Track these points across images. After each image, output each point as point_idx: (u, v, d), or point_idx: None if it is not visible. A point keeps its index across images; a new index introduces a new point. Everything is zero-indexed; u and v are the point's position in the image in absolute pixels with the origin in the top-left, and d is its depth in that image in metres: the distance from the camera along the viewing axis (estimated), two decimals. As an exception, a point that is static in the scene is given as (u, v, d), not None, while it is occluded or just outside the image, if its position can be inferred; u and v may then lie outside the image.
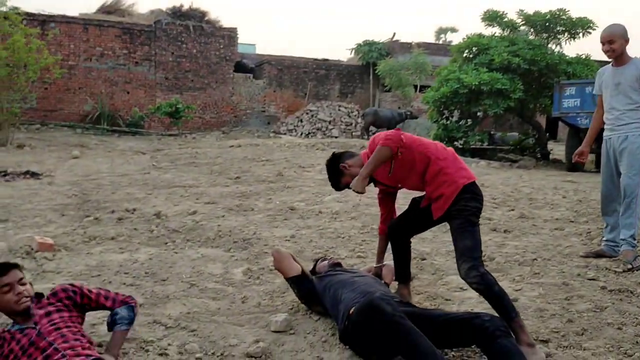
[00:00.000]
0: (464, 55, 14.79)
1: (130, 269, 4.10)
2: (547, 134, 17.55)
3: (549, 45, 14.55)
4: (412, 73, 18.55)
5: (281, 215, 5.99)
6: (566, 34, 14.35)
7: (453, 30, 44.91)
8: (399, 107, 21.45)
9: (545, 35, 14.61)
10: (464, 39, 14.72)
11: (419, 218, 3.22)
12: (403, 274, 3.37)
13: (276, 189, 7.59)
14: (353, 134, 21.40)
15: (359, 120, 21.83)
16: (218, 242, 4.96)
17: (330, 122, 21.78)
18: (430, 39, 41.30)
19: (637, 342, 2.83)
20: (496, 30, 15.06)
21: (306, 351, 2.85)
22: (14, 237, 5.04)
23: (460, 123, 14.42)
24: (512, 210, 6.47)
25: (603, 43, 4.20)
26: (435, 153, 3.04)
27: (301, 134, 21.00)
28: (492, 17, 14.74)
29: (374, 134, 20.20)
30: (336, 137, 20.13)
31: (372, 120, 19.73)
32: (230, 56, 22.27)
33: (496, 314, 2.74)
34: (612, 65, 4.32)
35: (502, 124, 19.21)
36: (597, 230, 5.23)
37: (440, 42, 36.11)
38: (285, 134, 20.85)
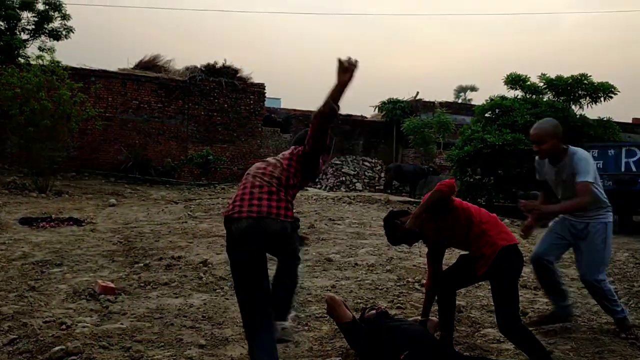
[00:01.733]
0: (487, 115, 15.28)
1: (187, 312, 4.45)
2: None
3: (571, 107, 14.99)
4: (435, 131, 19.06)
5: (319, 266, 6.32)
6: (587, 98, 14.81)
7: (473, 89, 45.91)
8: (422, 163, 21.93)
9: (566, 98, 15.08)
10: (487, 100, 15.27)
11: (466, 273, 3.55)
12: (447, 324, 3.66)
13: (311, 240, 7.94)
14: (376, 187, 21.83)
15: (382, 174, 22.31)
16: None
17: (354, 176, 22.28)
18: (450, 97, 42.13)
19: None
20: (518, 93, 15.58)
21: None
22: (73, 280, 5.47)
23: (484, 181, 14.75)
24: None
25: (532, 142, 4.00)
26: (478, 216, 3.40)
27: (326, 187, 21.48)
28: (514, 81, 15.29)
29: (397, 188, 20.61)
30: (360, 191, 20.58)
31: (396, 175, 20.20)
32: (259, 111, 23.08)
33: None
34: (548, 161, 4.09)
35: (526, 184, 19.41)
36: (623, 290, 5.46)
37: (460, 100, 36.93)
38: (310, 186, 21.35)
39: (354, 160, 22.88)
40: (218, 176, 21.02)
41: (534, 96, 15.21)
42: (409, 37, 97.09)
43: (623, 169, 11.68)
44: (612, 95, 14.46)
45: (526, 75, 15.27)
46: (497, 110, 14.67)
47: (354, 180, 22.11)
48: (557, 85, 14.78)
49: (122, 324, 4.06)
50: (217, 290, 5.24)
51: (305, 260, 6.63)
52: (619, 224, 10.97)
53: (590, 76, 14.54)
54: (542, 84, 15.16)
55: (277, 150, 23.44)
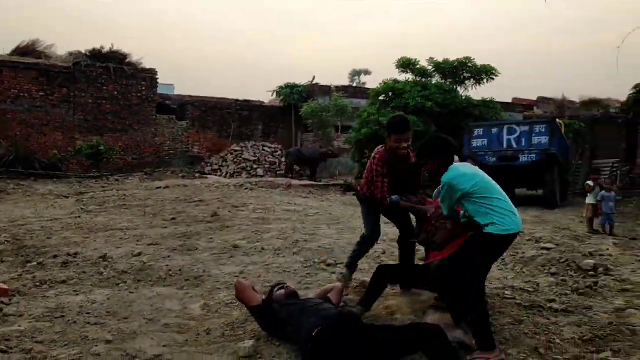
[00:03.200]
0: (381, 98, 15.81)
1: (90, 309, 4.28)
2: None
3: (457, 90, 15.89)
4: (332, 115, 19.42)
5: (226, 253, 6.30)
6: (472, 80, 15.77)
7: (366, 72, 47.07)
8: (321, 147, 22.26)
9: (452, 80, 15.96)
10: (380, 84, 15.78)
11: None
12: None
13: (215, 228, 7.86)
14: (278, 173, 21.89)
15: (283, 159, 22.41)
16: (170, 281, 5.20)
17: (254, 162, 22.17)
18: (345, 80, 42.97)
19: (550, 347, 3.43)
20: (409, 76, 16.25)
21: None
22: (-42, 284, 5.04)
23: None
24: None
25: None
26: None
27: (226, 173, 21.21)
28: (405, 64, 15.93)
29: (298, 172, 20.75)
30: (262, 177, 20.54)
31: (296, 160, 20.36)
32: (151, 97, 22.25)
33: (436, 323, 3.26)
34: None
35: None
36: (509, 256, 5.96)
37: (355, 84, 37.79)
38: (210, 174, 20.98)
39: (254, 146, 22.75)
40: (110, 167, 20.08)
41: (423, 79, 15.94)
42: (302, 20, 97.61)
43: (505, 146, 12.60)
44: (494, 77, 15.50)
45: (416, 59, 15.98)
46: (390, 93, 15.21)
47: (255, 166, 22.00)
48: (445, 68, 15.60)
49: (19, 326, 3.83)
50: (120, 285, 5.07)
51: (210, 248, 6.58)
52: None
53: (474, 59, 15.51)
54: (430, 67, 15.92)
55: (174, 138, 22.83)
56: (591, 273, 5.24)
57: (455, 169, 3.48)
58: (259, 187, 15.13)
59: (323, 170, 21.41)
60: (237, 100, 25.25)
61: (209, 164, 22.06)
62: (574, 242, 7.10)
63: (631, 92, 19.04)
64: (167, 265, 5.67)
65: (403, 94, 14.64)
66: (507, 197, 3.51)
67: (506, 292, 4.52)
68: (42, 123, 19.93)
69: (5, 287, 4.62)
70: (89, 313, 4.17)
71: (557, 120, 13.48)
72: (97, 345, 3.53)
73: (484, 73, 15.54)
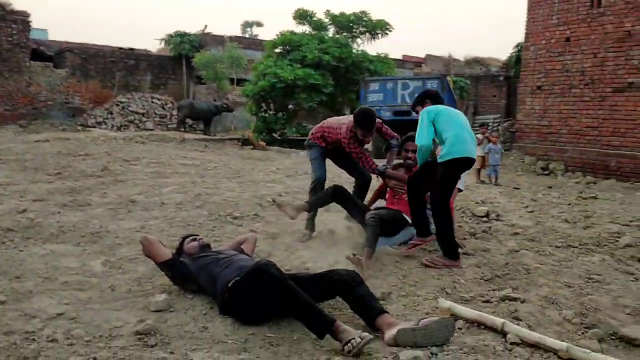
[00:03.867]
0: (278, 50, 15.55)
1: (-26, 270, 3.86)
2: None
3: (353, 45, 16.01)
4: (227, 66, 18.83)
5: (123, 208, 5.95)
6: (367, 34, 15.93)
7: (259, 24, 46.12)
8: (215, 100, 21.60)
9: (348, 34, 16.04)
10: (277, 35, 15.48)
11: None
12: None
13: (108, 183, 7.40)
14: (169, 126, 21.01)
15: (174, 112, 21.51)
16: (63, 237, 4.83)
17: (143, 115, 21.07)
18: (238, 31, 41.87)
19: (454, 286, 3.62)
20: (306, 29, 16.08)
21: (190, 324, 3.09)
22: None
23: (278, 116, 15.18)
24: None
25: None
26: None
27: (112, 126, 20.00)
28: (302, 16, 15.71)
29: (190, 126, 20.06)
30: (152, 130, 19.60)
31: (189, 113, 19.60)
32: (24, 43, 20.21)
33: (351, 268, 3.32)
34: None
35: (314, 117, 20.46)
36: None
37: (247, 35, 36.90)
38: (94, 127, 19.67)
39: (142, 98, 21.56)
40: (-21, 119, 18.18)
41: (320, 32, 15.85)
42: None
43: (399, 101, 12.98)
44: (388, 32, 15.77)
45: (312, 11, 15.80)
46: (287, 45, 14.98)
47: (144, 119, 20.93)
48: (341, 21, 15.60)
49: None
50: (7, 243, 4.62)
51: (105, 204, 6.19)
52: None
53: (369, 14, 15.63)
54: (327, 20, 15.84)
55: (51, 88, 21.03)
56: (484, 219, 5.59)
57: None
58: (150, 140, 14.43)
59: (217, 124, 20.85)
60: (121, 48, 23.70)
61: (92, 116, 20.63)
62: (465, 191, 7.52)
63: (513, 51, 20.27)
64: (57, 222, 5.25)
65: (300, 47, 14.48)
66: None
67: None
68: None
69: None
70: (-27, 274, 3.77)
71: (447, 77, 14.08)
72: (-13, 308, 3.20)
73: (378, 28, 15.74)
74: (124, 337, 2.90)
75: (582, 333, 2.98)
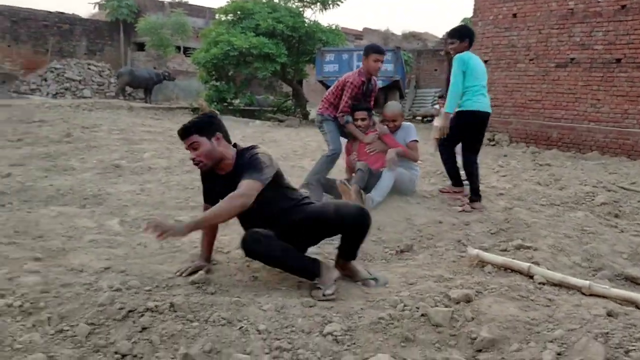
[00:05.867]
0: (228, 18, 15.31)
1: (-10, 230, 3.78)
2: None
3: (305, 15, 16.01)
4: (172, 33, 18.30)
5: (111, 172, 5.88)
6: (318, 5, 15.94)
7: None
8: (155, 68, 20.96)
9: (300, 4, 16.00)
10: (228, 2, 15.20)
11: None
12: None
13: (82, 148, 7.21)
14: (107, 94, 20.28)
15: (112, 80, 20.75)
16: (64, 200, 4.75)
17: (80, 82, 20.22)
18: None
19: (467, 238, 3.94)
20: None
21: (238, 275, 3.21)
22: None
23: (230, 85, 15.03)
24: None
25: (388, 120, 5.05)
26: None
27: (47, 94, 19.06)
28: (253, -18, 15.49)
29: (129, 95, 19.47)
30: (89, 98, 18.85)
31: (129, 81, 19.01)
32: None
33: None
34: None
35: (265, 87, 20.29)
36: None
37: (175, 1, 35.76)
38: (28, 94, 18.66)
39: (78, 64, 20.64)
40: None
41: (273, 0, 15.71)
42: None
43: (355, 72, 13.19)
44: (340, 2, 15.84)
45: (264, -22, 15.60)
46: (238, 13, 14.78)
47: (81, 87, 20.10)
48: (293, -10, 15.54)
49: None
50: (7, 206, 4.50)
51: (89, 168, 6.09)
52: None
53: (320, -18, 15.62)
54: (278, -13, 15.72)
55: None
56: (465, 182, 5.95)
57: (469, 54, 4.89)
58: (97, 108, 13.94)
59: (158, 93, 20.32)
60: (54, 12, 22.41)
61: (25, 83, 19.57)
62: (434, 158, 7.91)
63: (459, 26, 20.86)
64: (51, 185, 5.13)
65: (253, 15, 14.33)
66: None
67: (410, 200, 4.96)
68: None
69: None
70: (-8, 234, 3.69)
71: (400, 49, 14.43)
72: (26, 263, 3.17)
73: (330, -1, 15.83)
74: (182, 286, 2.99)
75: (592, 275, 3.37)
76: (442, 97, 12.49)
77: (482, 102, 4.88)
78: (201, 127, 3.05)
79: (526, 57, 12.83)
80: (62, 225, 4.00)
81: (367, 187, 4.66)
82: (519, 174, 6.97)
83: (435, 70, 21.84)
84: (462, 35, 4.96)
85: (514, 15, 13.06)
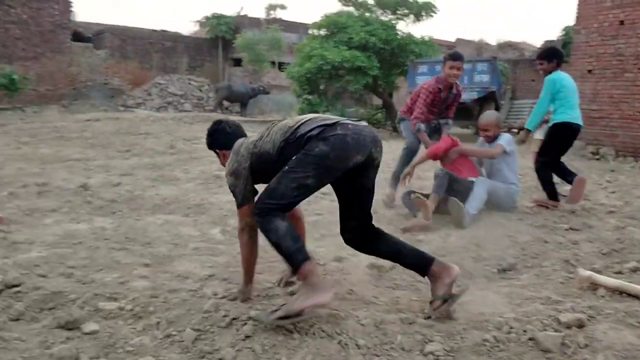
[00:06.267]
0: (322, 33, 15.57)
1: (105, 235, 4.04)
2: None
3: (397, 27, 15.96)
4: (267, 49, 18.91)
5: (212, 183, 6.12)
6: (412, 17, 15.84)
7: (282, 7, 45.86)
8: (250, 82, 21.71)
9: (393, 17, 15.96)
10: (322, 17, 15.48)
11: None
12: None
13: (184, 159, 7.59)
14: (206, 108, 21.23)
15: (211, 94, 21.70)
16: (169, 209, 5.00)
17: (181, 96, 21.33)
18: (262, 13, 41.74)
19: (577, 259, 3.70)
20: (350, 10, 16.04)
21: (335, 287, 3.21)
22: None
23: (322, 98, 15.25)
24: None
25: (482, 130, 5.09)
26: None
27: (152, 107, 20.27)
28: (347, -2, 15.69)
29: (227, 109, 20.29)
30: (190, 111, 19.82)
31: (226, 95, 19.80)
32: (65, 24, 20.48)
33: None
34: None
35: (357, 99, 20.43)
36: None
37: (270, 17, 36.81)
38: (134, 108, 19.94)
39: (180, 80, 21.82)
40: (22, 99, 18.45)
41: (366, 14, 15.80)
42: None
43: (448, 84, 12.95)
44: (433, 13, 15.66)
45: (359, -7, 15.76)
46: (332, 27, 14.99)
47: (182, 101, 21.20)
48: (387, 3, 15.53)
49: (39, 252, 3.55)
50: (117, 213, 4.81)
51: (192, 178, 6.37)
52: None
53: (416, -6, 15.52)
54: (372, 2, 15.79)
55: (91, 69, 21.30)
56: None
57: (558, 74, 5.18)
58: (197, 121, 14.60)
59: (253, 107, 21.02)
60: (158, 30, 23.89)
61: (131, 97, 20.93)
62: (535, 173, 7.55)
63: (561, 34, 19.99)
64: (157, 195, 5.43)
65: (346, 29, 14.49)
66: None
67: (511, 216, 4.76)
68: (-60, 47, 17.86)
69: (0, 215, 4.23)
70: (107, 239, 3.94)
71: (496, 59, 14.00)
72: (136, 269, 3.36)
73: (424, 10, 15.67)
74: (281, 296, 3.04)
75: None
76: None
77: (575, 115, 5.17)
78: (209, 142, 3.16)
79: (635, 66, 11.99)
80: (168, 233, 4.20)
81: (455, 196, 4.52)
82: (629, 190, 6.50)
83: (533, 80, 20.92)
84: (550, 56, 5.23)
85: (621, 23, 12.26)
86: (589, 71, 13.05)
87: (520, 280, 3.38)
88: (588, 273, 3.21)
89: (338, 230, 4.24)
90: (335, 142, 2.51)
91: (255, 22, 22.44)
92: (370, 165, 2.69)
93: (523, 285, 3.26)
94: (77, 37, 21.37)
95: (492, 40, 31.09)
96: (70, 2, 20.68)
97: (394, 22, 15.67)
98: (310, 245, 3.90)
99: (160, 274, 3.29)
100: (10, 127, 12.38)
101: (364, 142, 2.58)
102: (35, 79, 18.97)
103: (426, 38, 15.59)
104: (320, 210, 5.04)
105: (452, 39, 32.83)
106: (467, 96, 12.76)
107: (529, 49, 27.79)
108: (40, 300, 2.69)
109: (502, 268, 3.61)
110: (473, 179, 4.75)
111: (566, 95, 5.15)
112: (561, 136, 5.24)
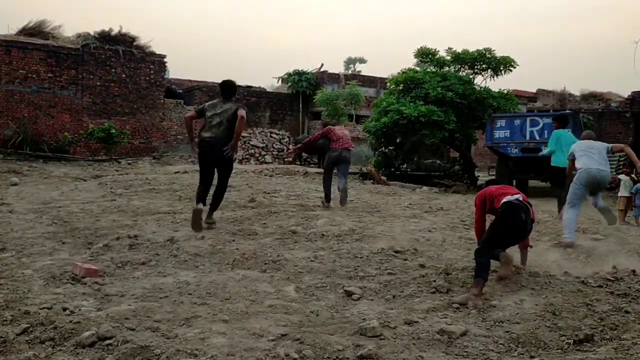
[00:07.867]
0: (399, 87, 15.86)
1: (188, 290, 4.32)
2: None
3: (475, 81, 16.00)
4: (346, 103, 19.44)
5: (288, 238, 6.34)
6: (490, 71, 15.86)
7: (362, 60, 46.99)
8: (329, 135, 22.27)
9: (470, 71, 16.04)
10: (399, 73, 15.81)
11: None
12: None
13: (264, 214, 7.89)
14: (285, 160, 21.91)
15: (290, 146, 22.40)
16: (247, 264, 5.24)
17: (262, 149, 22.17)
18: (340, 68, 42.90)
19: (661, 332, 3.54)
20: (427, 66, 16.30)
21: (405, 352, 3.27)
22: (34, 264, 5.07)
23: (398, 151, 15.39)
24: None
25: None
26: None
27: (235, 159, 21.18)
28: (424, 54, 15.97)
29: (305, 159, 20.81)
30: (270, 163, 20.55)
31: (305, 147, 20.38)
32: (160, 81, 22.09)
33: None
34: None
35: (433, 152, 20.44)
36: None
37: (349, 72, 37.72)
38: (219, 160, 20.92)
39: (262, 133, 22.74)
40: (119, 151, 19.92)
41: (441, 69, 16.00)
42: (292, 8, 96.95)
43: (528, 137, 12.75)
44: (512, 68, 15.60)
45: (435, 49, 16.03)
46: (408, 82, 15.26)
47: (263, 153, 22.02)
48: (464, 59, 15.68)
49: (129, 305, 3.86)
50: (200, 267, 5.11)
51: (270, 233, 6.62)
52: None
53: (494, 50, 15.60)
54: (449, 58, 15.98)
55: (181, 123, 22.65)
56: None
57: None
58: (277, 174, 15.14)
59: (330, 158, 21.45)
60: (243, 86, 25.13)
61: (217, 150, 21.99)
62: (618, 233, 7.24)
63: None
64: (237, 249, 5.70)
65: (423, 84, 14.71)
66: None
67: (590, 281, 4.60)
68: (50, 105, 19.71)
69: (95, 267, 4.63)
70: (190, 294, 4.21)
71: (579, 113, 13.64)
72: (215, 324, 3.57)
73: (502, 64, 15.65)
74: (350, 359, 3.14)
75: None
76: (626, 165, 11.46)
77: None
78: None
79: None
80: (246, 288, 4.42)
81: None
82: None
83: (620, 133, 20.07)
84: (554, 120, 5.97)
85: None
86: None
87: (597, 354, 3.28)
88: (671, 349, 3.07)
89: (410, 291, 4.34)
90: None
91: (334, 78, 23.17)
92: None
93: (599, 359, 3.16)
94: (170, 93, 22.89)
95: (576, 90, 30.05)
96: (165, 62, 22.36)
97: (471, 76, 15.73)
98: (380, 307, 4.00)
99: (237, 331, 3.48)
100: (106, 179, 13.38)
101: None
102: (130, 133, 20.41)
103: (505, 91, 15.48)
104: (392, 269, 5.11)
105: (533, 89, 32.21)
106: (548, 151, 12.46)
107: (616, 99, 26.72)
108: (128, 354, 2.94)
109: (579, 339, 3.50)
110: None
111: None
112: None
